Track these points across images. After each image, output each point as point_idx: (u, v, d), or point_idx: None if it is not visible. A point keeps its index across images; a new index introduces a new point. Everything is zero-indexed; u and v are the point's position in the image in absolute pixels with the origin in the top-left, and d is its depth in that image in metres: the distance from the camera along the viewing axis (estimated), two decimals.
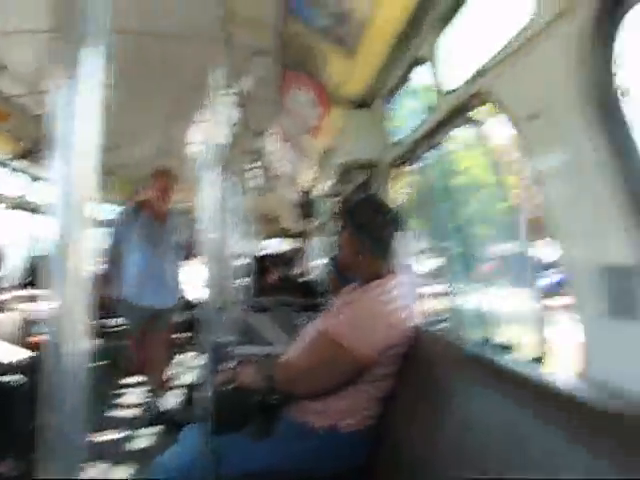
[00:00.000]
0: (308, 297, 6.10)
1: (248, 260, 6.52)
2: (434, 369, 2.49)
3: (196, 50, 3.87)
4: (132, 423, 5.11)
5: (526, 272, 2.44)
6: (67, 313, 1.06)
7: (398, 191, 4.03)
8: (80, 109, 1.09)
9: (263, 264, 7.32)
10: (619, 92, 1.68)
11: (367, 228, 2.78)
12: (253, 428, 2.65)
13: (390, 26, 3.14)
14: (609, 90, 1.68)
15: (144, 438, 4.72)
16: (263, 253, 8.91)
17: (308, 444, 2.60)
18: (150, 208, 5.52)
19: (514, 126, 2.16)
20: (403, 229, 2.83)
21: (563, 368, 1.99)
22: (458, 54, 2.94)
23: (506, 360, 2.30)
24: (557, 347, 2.16)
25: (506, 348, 2.51)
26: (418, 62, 3.28)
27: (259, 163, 7.27)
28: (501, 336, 2.76)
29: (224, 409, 2.62)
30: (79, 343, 1.07)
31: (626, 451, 1.38)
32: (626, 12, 1.64)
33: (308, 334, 2.86)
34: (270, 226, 10.39)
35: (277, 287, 7.05)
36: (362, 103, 4.25)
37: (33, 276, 6.19)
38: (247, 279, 5.97)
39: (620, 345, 1.71)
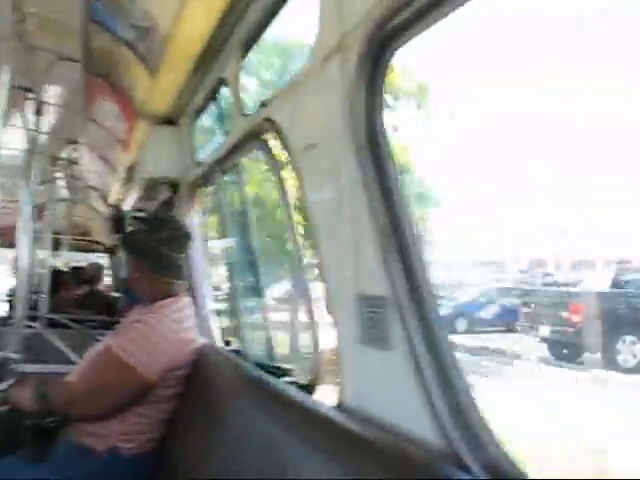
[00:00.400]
0: (110, 315, 5.86)
1: (46, 273, 6.13)
2: (215, 390, 2.49)
3: None
4: None
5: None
6: None
7: (199, 211, 4.01)
8: None
9: (61, 278, 6.90)
10: (384, 129, 1.77)
11: (141, 248, 2.73)
12: (27, 451, 2.52)
13: (193, 45, 3.12)
14: (375, 127, 1.76)
15: None
16: (63, 267, 8.42)
17: (89, 467, 2.48)
18: None
19: (290, 156, 2.23)
20: (188, 249, 2.82)
21: (329, 393, 2.06)
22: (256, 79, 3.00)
23: (282, 383, 2.36)
24: (327, 372, 2.24)
25: (285, 371, 2.57)
26: (223, 83, 3.28)
27: (68, 172, 6.92)
28: (282, 359, 2.82)
29: None
30: None
31: (370, 470, 1.46)
32: (392, 55, 1.74)
33: (95, 352, 2.76)
34: (80, 239, 9.89)
35: (78, 303, 6.70)
36: (168, 120, 4.18)
37: None
38: (43, 294, 5.60)
39: (370, 372, 1.80)
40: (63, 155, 6.42)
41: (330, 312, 1.98)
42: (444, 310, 15.92)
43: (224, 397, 2.40)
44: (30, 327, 4.44)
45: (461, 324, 18.14)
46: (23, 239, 3.97)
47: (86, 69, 4.24)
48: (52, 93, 4.61)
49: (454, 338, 14.20)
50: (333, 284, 1.99)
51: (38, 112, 4.42)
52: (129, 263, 2.82)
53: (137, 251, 2.76)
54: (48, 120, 4.71)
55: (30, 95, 4.29)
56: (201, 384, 2.58)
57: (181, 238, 2.79)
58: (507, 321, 17.30)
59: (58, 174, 6.76)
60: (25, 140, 4.75)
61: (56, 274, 6.65)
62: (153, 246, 2.68)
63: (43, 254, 6.82)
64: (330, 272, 2.01)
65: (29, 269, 4.23)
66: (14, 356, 3.35)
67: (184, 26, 2.93)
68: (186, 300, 2.79)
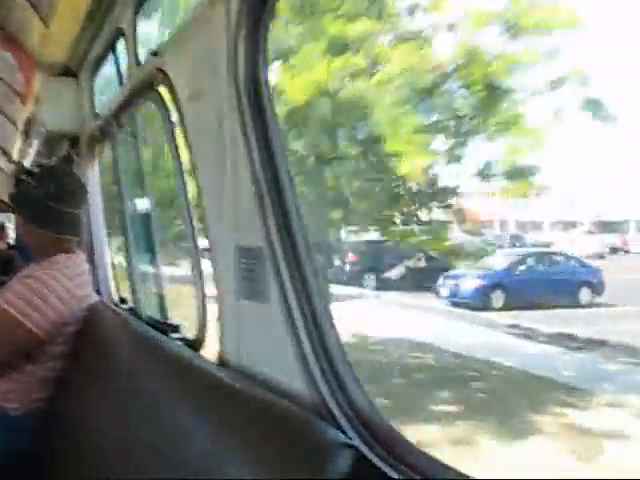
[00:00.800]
0: (5, 273, 5.64)
1: None
2: (103, 348, 2.45)
3: None
4: None
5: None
6: None
7: (97, 167, 3.88)
8: None
9: None
10: (267, 79, 1.74)
11: (26, 202, 2.62)
12: None
13: None
14: (257, 77, 1.72)
15: None
16: None
17: None
18: None
19: (177, 107, 2.17)
20: (84, 205, 2.73)
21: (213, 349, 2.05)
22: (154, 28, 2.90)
23: (169, 341, 2.34)
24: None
25: (175, 327, 2.54)
26: (121, 33, 3.16)
27: None
28: (173, 315, 2.80)
29: None
30: None
31: (248, 426, 1.46)
32: (275, 1, 1.71)
33: None
34: None
35: None
36: (67, 71, 4.00)
37: None
38: None
39: (249, 327, 1.80)
40: None
41: (212, 266, 1.95)
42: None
43: (112, 355, 2.36)
44: None
45: None
46: None
47: None
48: None
49: None
50: (215, 237, 1.96)
51: None
52: (17, 219, 2.72)
53: (22, 206, 2.64)
54: None
55: None
56: (90, 342, 2.53)
57: (74, 192, 2.67)
58: None
59: None
60: None
61: None
62: (39, 200, 2.56)
63: None
64: (212, 224, 1.98)
65: None
66: None
67: None
68: (81, 256, 2.71)
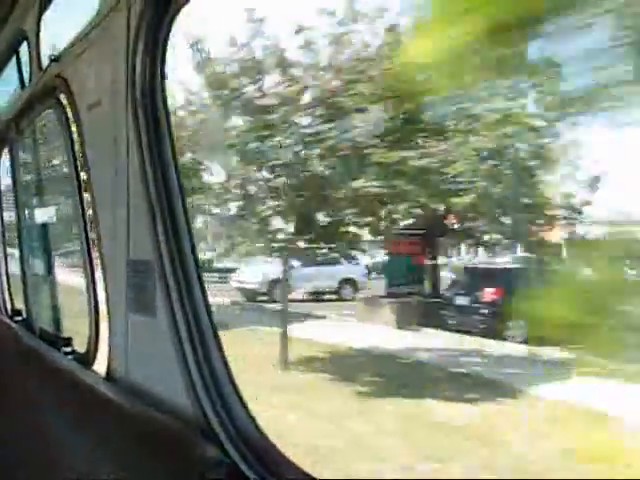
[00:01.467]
0: None
1: None
2: None
3: None
4: None
5: None
6: None
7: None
8: None
9: None
10: (164, 90, 1.72)
11: None
12: None
13: None
14: (153, 88, 1.71)
15: None
16: None
17: None
18: None
19: (75, 115, 2.13)
20: None
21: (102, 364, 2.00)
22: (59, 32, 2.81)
23: (59, 355, 2.27)
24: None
25: (67, 341, 2.45)
26: (24, 36, 3.05)
27: None
28: (67, 328, 2.71)
29: None
30: None
31: (127, 442, 1.43)
32: (176, 13, 1.69)
33: None
34: None
35: None
36: None
37: None
38: None
39: (137, 340, 1.76)
40: None
41: (104, 279, 1.91)
42: None
43: (4, 369, 2.28)
44: None
45: None
46: None
47: None
48: None
49: None
50: (107, 250, 1.93)
51: None
52: None
53: None
54: None
55: None
56: None
57: None
58: None
59: None
60: None
61: None
62: None
63: None
64: (104, 238, 1.94)
65: None
66: None
67: None
68: None
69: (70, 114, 2.43)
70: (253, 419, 1.45)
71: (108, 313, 1.89)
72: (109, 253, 1.91)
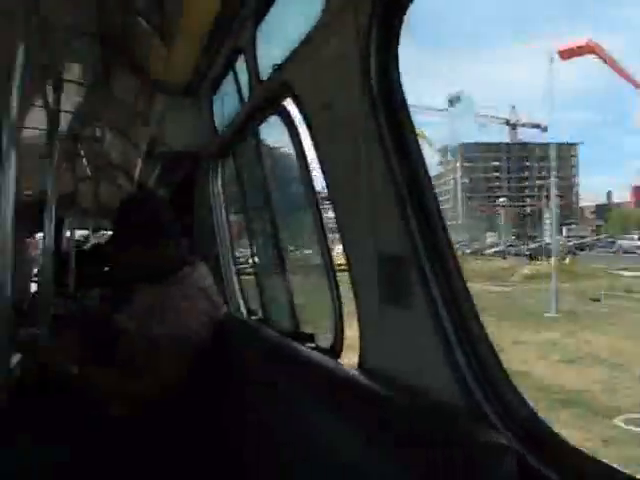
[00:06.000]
0: None
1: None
2: (240, 361, 2.50)
3: None
4: None
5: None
6: None
7: (219, 182, 4.00)
8: None
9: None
10: (401, 85, 1.72)
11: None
12: None
13: (207, 13, 3.07)
14: (391, 83, 1.72)
15: None
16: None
17: None
18: None
19: (305, 118, 2.20)
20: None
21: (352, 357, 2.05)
22: (274, 45, 2.94)
23: (306, 349, 2.35)
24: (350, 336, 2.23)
25: (309, 337, 2.55)
26: (240, 52, 3.24)
27: (91, 151, 6.94)
28: (306, 324, 2.81)
29: None
30: None
31: (394, 435, 1.44)
32: (404, 11, 1.69)
33: None
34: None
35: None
36: (187, 92, 4.14)
37: None
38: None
39: (391, 332, 1.78)
40: (85, 133, 6.40)
41: (351, 277, 1.96)
42: None
43: (250, 368, 2.40)
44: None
45: None
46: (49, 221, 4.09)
47: (103, 43, 4.20)
48: (70, 70, 4.58)
49: None
50: (351, 244, 1.97)
51: (57, 90, 4.42)
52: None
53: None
54: (68, 98, 4.70)
55: (49, 73, 4.28)
56: (225, 355, 2.57)
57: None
58: None
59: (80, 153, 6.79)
60: (46, 120, 4.77)
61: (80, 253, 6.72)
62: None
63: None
64: (348, 232, 1.99)
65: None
66: None
67: None
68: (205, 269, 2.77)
69: (296, 119, 2.56)
70: (531, 407, 1.40)
71: (357, 308, 1.93)
72: (353, 247, 1.96)
